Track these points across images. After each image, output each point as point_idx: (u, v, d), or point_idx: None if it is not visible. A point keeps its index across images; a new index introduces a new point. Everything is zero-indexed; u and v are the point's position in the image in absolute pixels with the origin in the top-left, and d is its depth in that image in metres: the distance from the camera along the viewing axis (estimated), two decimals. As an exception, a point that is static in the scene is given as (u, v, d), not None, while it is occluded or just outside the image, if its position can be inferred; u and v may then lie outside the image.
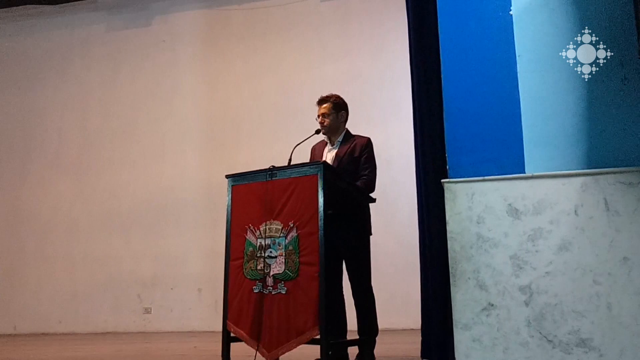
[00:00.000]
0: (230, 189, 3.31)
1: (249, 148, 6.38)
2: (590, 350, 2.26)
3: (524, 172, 2.44)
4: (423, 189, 3.24)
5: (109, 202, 6.78)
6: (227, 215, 3.30)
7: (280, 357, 2.98)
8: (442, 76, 2.66)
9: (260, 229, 3.10)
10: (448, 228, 2.50)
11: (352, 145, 3.41)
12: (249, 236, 3.15)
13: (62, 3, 7.22)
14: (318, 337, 2.77)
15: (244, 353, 3.15)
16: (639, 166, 2.31)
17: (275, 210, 3.05)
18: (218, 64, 6.83)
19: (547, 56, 2.49)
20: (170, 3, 7.03)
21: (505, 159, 2.47)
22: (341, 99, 3.52)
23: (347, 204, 3.18)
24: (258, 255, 3.08)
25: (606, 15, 2.45)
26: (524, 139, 2.46)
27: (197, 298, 6.31)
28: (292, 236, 2.96)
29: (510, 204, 2.42)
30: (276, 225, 3.04)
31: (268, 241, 3.05)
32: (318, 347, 2.77)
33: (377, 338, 3.35)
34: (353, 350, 3.33)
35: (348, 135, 3.49)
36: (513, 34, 2.54)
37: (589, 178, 2.35)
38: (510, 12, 2.56)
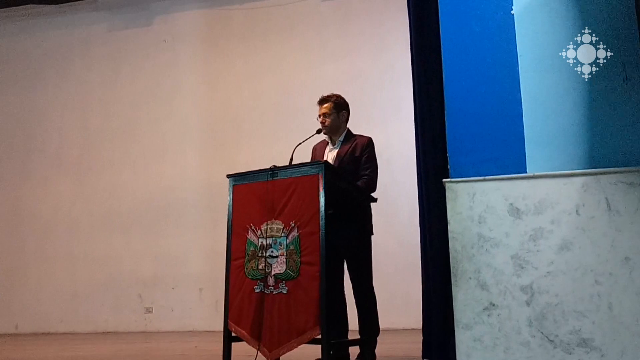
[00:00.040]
0: (231, 189, 3.31)
1: (249, 148, 6.38)
2: (592, 350, 2.26)
3: (525, 172, 2.44)
4: (424, 189, 3.24)
5: (110, 201, 6.78)
6: (228, 215, 3.30)
7: (281, 357, 2.99)
8: (443, 76, 2.66)
9: (262, 228, 3.10)
10: (449, 228, 2.50)
11: (353, 145, 3.41)
12: (250, 236, 3.16)
13: (62, 3, 7.21)
14: (319, 336, 2.77)
15: (245, 353, 3.15)
16: (640, 166, 2.31)
17: (277, 210, 3.05)
18: (218, 63, 6.83)
19: (548, 56, 2.49)
20: (171, 3, 7.03)
21: (507, 158, 2.47)
22: (342, 98, 3.53)
23: (348, 203, 3.18)
24: (259, 255, 3.08)
25: (606, 15, 2.45)
26: (525, 139, 2.46)
27: (198, 298, 6.31)
28: (293, 236, 2.96)
29: (511, 204, 2.42)
30: (277, 225, 3.04)
31: (269, 241, 3.06)
32: (319, 346, 2.77)
33: (378, 338, 3.35)
34: (354, 350, 3.34)
35: (349, 135, 3.49)
36: (514, 33, 2.53)
37: (590, 178, 2.35)
38: (512, 12, 2.56)
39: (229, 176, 3.36)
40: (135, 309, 6.46)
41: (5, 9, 7.32)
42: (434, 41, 2.93)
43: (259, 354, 2.94)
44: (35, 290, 6.72)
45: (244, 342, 3.09)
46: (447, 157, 2.60)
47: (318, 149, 3.59)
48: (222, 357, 3.15)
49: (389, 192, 5.31)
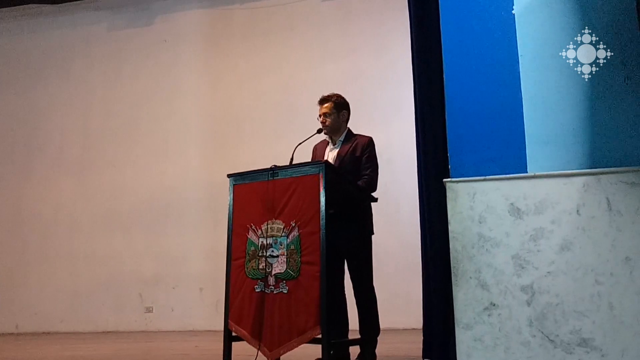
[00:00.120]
0: (232, 189, 3.32)
1: (250, 147, 6.38)
2: (592, 350, 2.26)
3: (526, 172, 2.44)
4: (424, 189, 3.24)
5: (111, 201, 6.79)
6: (228, 215, 3.30)
7: (282, 357, 2.99)
8: (444, 76, 2.66)
9: (262, 228, 3.10)
10: (450, 227, 2.50)
11: (353, 145, 3.41)
12: (251, 235, 3.16)
13: (63, 2, 7.22)
14: (319, 336, 2.77)
15: (246, 352, 3.15)
16: (641, 166, 2.31)
17: (277, 210, 3.06)
18: (219, 63, 6.83)
19: (548, 56, 2.49)
20: (172, 2, 7.03)
21: (507, 158, 2.47)
22: (342, 98, 3.53)
23: (348, 203, 3.18)
24: (260, 254, 3.08)
25: (606, 15, 2.45)
26: (525, 139, 2.46)
27: (198, 297, 6.32)
28: (293, 235, 2.96)
29: (512, 204, 2.42)
30: (278, 225, 3.04)
31: (270, 240, 3.06)
32: (319, 346, 2.77)
33: (378, 337, 3.35)
34: (354, 350, 3.34)
35: (350, 135, 3.49)
36: (515, 33, 2.53)
37: (590, 178, 2.35)
38: (513, 12, 2.56)
39: (229, 176, 3.37)
40: (136, 308, 6.46)
41: (6, 9, 7.33)
42: (435, 41, 2.93)
43: (260, 353, 2.94)
44: (36, 290, 6.72)
45: (245, 342, 3.09)
46: (447, 156, 2.60)
47: (318, 149, 3.59)
48: (222, 356, 3.15)
49: (390, 192, 5.30)
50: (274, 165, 3.13)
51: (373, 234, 3.39)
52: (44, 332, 6.54)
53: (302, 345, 2.88)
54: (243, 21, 6.80)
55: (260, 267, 3.06)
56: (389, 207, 5.17)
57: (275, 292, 2.97)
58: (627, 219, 2.29)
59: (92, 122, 7.05)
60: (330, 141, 3.53)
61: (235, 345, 3.17)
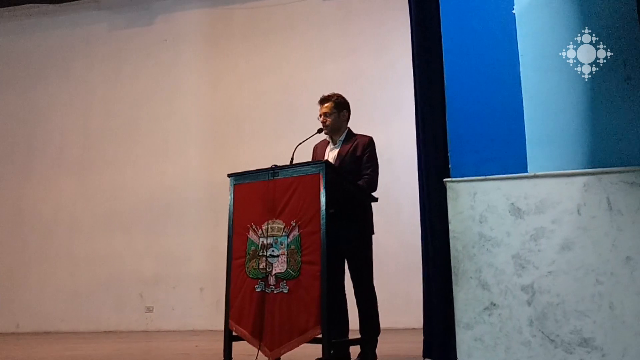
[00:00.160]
0: (232, 188, 3.32)
1: (250, 147, 6.38)
2: (593, 350, 2.26)
3: (527, 172, 2.44)
4: (425, 188, 3.24)
5: (111, 201, 6.79)
6: (229, 214, 3.30)
7: (282, 356, 2.99)
8: (444, 75, 2.66)
9: (263, 228, 3.10)
10: (450, 227, 2.51)
11: (354, 145, 3.41)
12: (251, 235, 3.16)
13: (64, 2, 7.23)
14: (320, 336, 2.76)
15: (246, 352, 3.16)
16: (642, 166, 2.31)
17: (277, 210, 3.05)
18: (220, 63, 6.84)
19: (548, 56, 2.49)
20: (172, 2, 7.04)
21: (508, 158, 2.47)
22: (343, 98, 3.52)
23: (349, 203, 3.18)
24: (260, 254, 3.08)
25: (606, 15, 2.45)
26: (526, 139, 2.46)
27: (199, 297, 6.32)
28: (294, 235, 2.96)
29: (512, 203, 2.43)
30: (278, 225, 3.04)
31: (270, 240, 3.06)
32: (320, 346, 2.77)
33: (379, 337, 3.35)
34: (355, 350, 3.34)
35: (350, 135, 3.49)
36: (516, 33, 2.53)
37: (591, 177, 2.35)
38: (513, 12, 2.56)
39: (229, 175, 3.37)
40: (136, 308, 6.47)
41: (6, 8, 7.34)
42: (435, 41, 2.92)
43: (260, 353, 2.94)
44: (37, 290, 6.73)
45: (245, 342, 3.09)
46: (448, 156, 2.60)
47: (319, 149, 3.59)
48: (222, 356, 3.15)
49: (390, 192, 5.30)
50: (275, 165, 3.13)
51: (373, 233, 3.39)
52: (44, 332, 6.54)
53: (302, 345, 2.87)
54: (243, 21, 6.80)
55: (261, 266, 3.06)
56: (389, 207, 5.16)
57: (275, 291, 2.97)
58: (627, 218, 2.29)
59: (92, 122, 7.05)
60: (330, 141, 3.53)
61: (235, 345, 3.17)
